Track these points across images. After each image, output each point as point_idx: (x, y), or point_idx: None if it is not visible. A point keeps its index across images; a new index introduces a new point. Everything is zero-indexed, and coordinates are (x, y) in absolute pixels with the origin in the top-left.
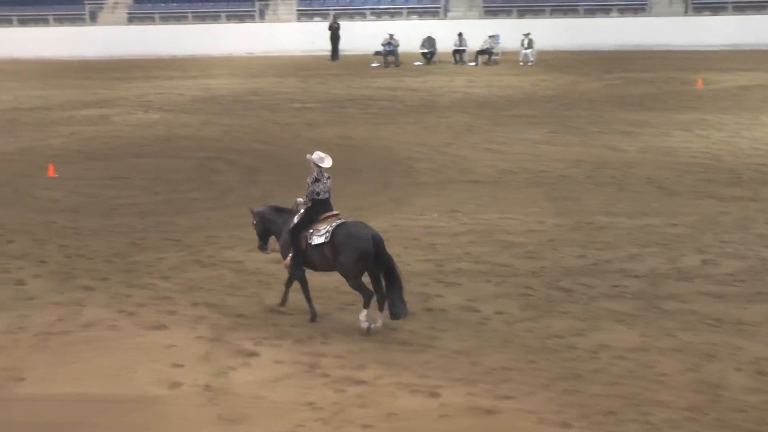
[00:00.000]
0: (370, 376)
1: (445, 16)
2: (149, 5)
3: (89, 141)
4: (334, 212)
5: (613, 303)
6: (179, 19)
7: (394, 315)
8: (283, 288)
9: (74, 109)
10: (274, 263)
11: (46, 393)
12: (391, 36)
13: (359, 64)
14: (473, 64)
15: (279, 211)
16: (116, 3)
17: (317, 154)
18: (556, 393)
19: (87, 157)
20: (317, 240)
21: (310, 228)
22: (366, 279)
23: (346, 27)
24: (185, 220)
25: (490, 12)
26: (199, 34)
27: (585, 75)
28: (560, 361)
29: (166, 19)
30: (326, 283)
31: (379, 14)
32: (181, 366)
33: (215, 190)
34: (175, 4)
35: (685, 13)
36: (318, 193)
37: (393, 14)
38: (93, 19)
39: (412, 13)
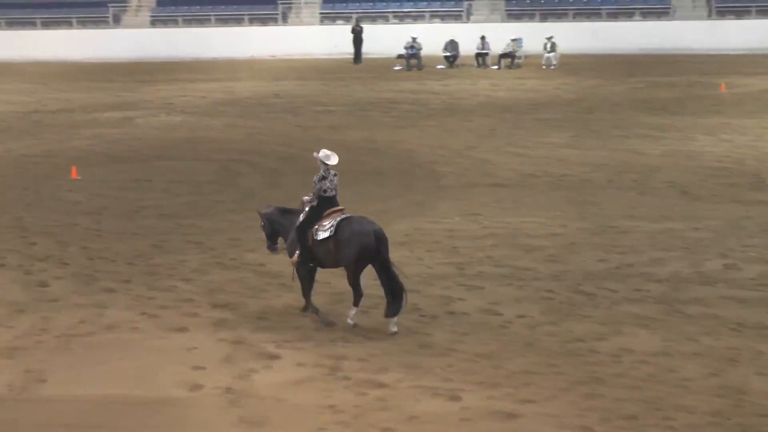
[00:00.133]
0: (392, 379)
1: (468, 20)
2: (172, 8)
3: (112, 143)
4: (339, 207)
5: (635, 307)
6: (202, 21)
7: (387, 313)
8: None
9: (97, 111)
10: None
11: (68, 395)
12: (414, 39)
13: (382, 67)
14: (496, 67)
15: (286, 212)
16: (139, 6)
17: (323, 152)
18: (577, 397)
19: (110, 159)
20: (322, 235)
21: (316, 224)
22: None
23: (368, 30)
24: (208, 223)
25: (513, 15)
26: (221, 36)
27: (608, 79)
28: (582, 365)
29: (189, 21)
30: (346, 286)
31: (401, 17)
32: (203, 368)
33: (238, 193)
34: (198, 7)
35: (709, 16)
36: (325, 191)
37: (416, 17)
38: (116, 21)
39: (435, 16)
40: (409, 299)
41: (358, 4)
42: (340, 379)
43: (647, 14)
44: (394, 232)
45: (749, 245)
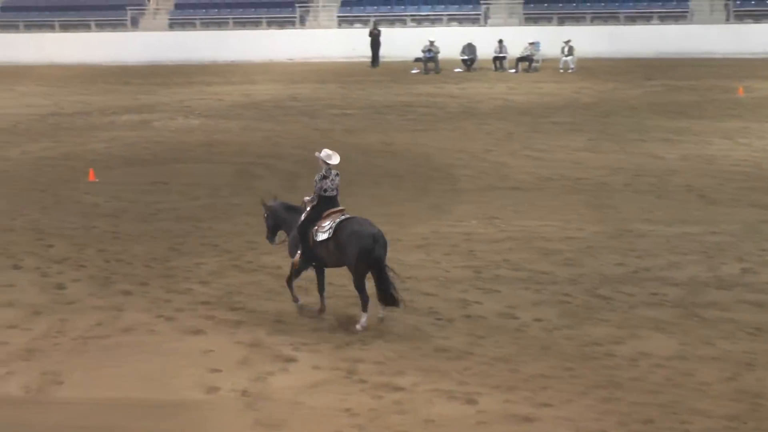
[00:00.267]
0: (408, 382)
1: (486, 23)
2: (190, 11)
3: (130, 146)
4: (340, 208)
5: (652, 311)
6: (220, 25)
7: (385, 302)
8: (319, 297)
9: (115, 114)
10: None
11: (84, 397)
12: (432, 43)
13: (399, 70)
14: (513, 71)
15: (290, 208)
16: (157, 9)
17: (325, 152)
18: (594, 401)
19: (127, 162)
20: (321, 236)
21: (316, 225)
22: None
23: (386, 33)
24: (225, 226)
25: (531, 19)
26: (239, 40)
27: (625, 82)
28: (599, 369)
29: (206, 25)
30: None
31: (419, 21)
32: (219, 371)
33: (255, 196)
34: (215, 10)
35: (727, 20)
36: (325, 190)
37: (433, 21)
38: (134, 24)
39: (453, 19)
40: (423, 303)
41: (375, 7)
42: (357, 383)
43: (665, 18)
44: (410, 235)
45: (767, 249)
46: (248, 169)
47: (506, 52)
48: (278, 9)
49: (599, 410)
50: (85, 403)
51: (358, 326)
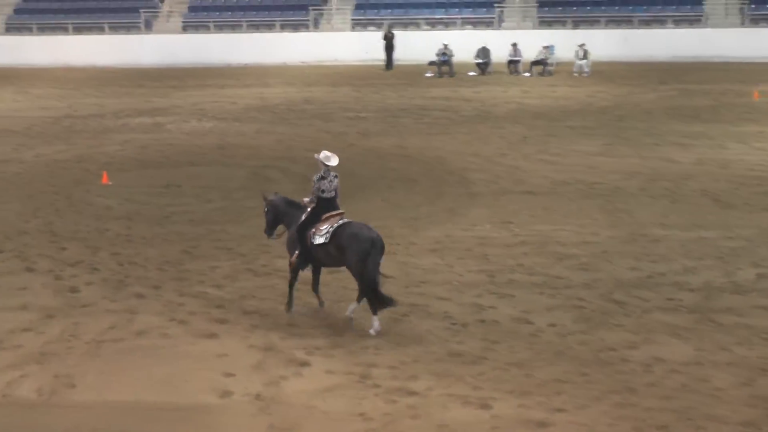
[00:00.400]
0: (422, 387)
1: (500, 27)
2: (204, 14)
3: (143, 149)
4: (339, 211)
5: (667, 316)
6: (234, 27)
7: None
8: (315, 296)
9: (128, 116)
10: (328, 273)
11: (97, 400)
12: (446, 46)
13: (413, 73)
14: (528, 74)
15: (290, 204)
16: (171, 12)
17: (324, 153)
18: (609, 406)
19: (141, 164)
20: (319, 240)
21: (314, 227)
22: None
23: (400, 36)
24: (238, 229)
25: (545, 22)
26: (253, 42)
27: (640, 86)
28: (613, 374)
29: (220, 27)
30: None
31: (433, 24)
32: (233, 375)
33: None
34: (229, 13)
35: (742, 24)
36: (323, 191)
37: (447, 24)
38: (148, 27)
39: (467, 23)
40: (437, 307)
41: (389, 10)
42: (370, 387)
43: (680, 22)
44: (424, 239)
45: None
46: (262, 172)
47: (521, 56)
48: (292, 12)
49: (614, 416)
50: (98, 407)
51: (371, 330)
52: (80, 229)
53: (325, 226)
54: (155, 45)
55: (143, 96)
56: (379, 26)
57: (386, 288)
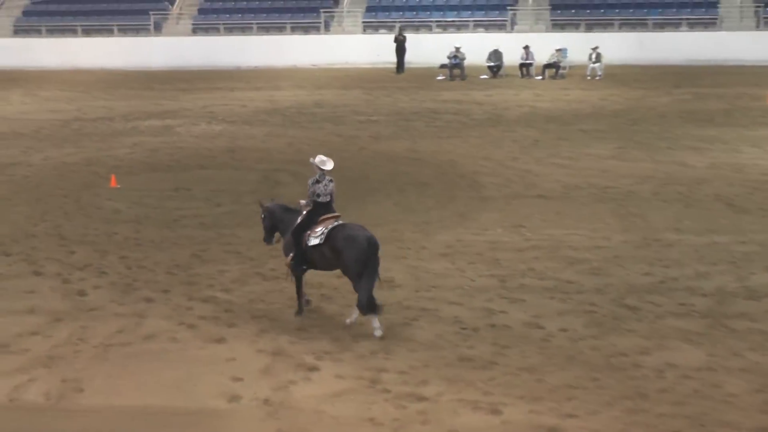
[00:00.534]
0: (432, 392)
1: (512, 29)
2: (214, 16)
3: (152, 152)
4: (334, 214)
5: (679, 321)
6: (244, 30)
7: (364, 309)
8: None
9: (138, 119)
10: (336, 278)
11: (105, 404)
12: (458, 49)
13: (425, 76)
14: (540, 77)
15: (287, 210)
16: (181, 14)
17: (319, 157)
18: (620, 412)
19: (150, 168)
20: (314, 241)
21: (309, 230)
22: None
23: (411, 39)
24: (248, 233)
25: (558, 25)
26: (263, 45)
27: (654, 90)
28: (625, 380)
29: (230, 30)
30: (387, 297)
31: (445, 27)
32: (241, 379)
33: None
34: (239, 15)
35: (757, 27)
36: (318, 195)
37: (459, 27)
38: (157, 29)
39: (479, 25)
40: (448, 311)
41: (401, 13)
42: (380, 392)
43: (694, 25)
44: (435, 243)
45: None
46: (272, 175)
47: (533, 59)
48: (303, 14)
49: (625, 422)
50: (106, 411)
51: (376, 333)
52: (89, 232)
53: (320, 228)
54: (165, 47)
55: (152, 99)
56: (390, 29)
57: (396, 293)
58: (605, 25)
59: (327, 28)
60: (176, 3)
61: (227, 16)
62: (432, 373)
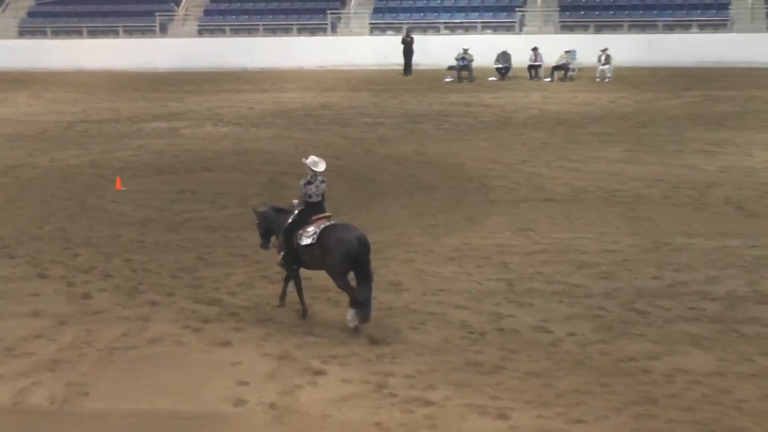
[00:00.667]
0: (439, 397)
1: (521, 31)
2: (220, 17)
3: (158, 154)
4: (326, 214)
5: (689, 326)
6: (250, 31)
7: (360, 318)
8: (282, 293)
9: (143, 121)
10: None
11: (110, 408)
12: (466, 50)
13: (432, 78)
14: (549, 79)
15: (280, 211)
16: (187, 15)
17: (311, 158)
18: (629, 417)
19: (155, 170)
20: (306, 241)
21: (301, 229)
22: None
23: (419, 41)
24: (254, 236)
25: (567, 27)
26: (269, 46)
27: (664, 92)
28: (634, 385)
29: (236, 31)
30: (394, 301)
31: (453, 28)
32: (247, 383)
33: (285, 205)
34: (246, 17)
35: None
36: (310, 196)
37: (467, 28)
38: (163, 31)
39: (487, 27)
40: (456, 315)
41: (408, 14)
42: (387, 397)
43: (705, 26)
44: (443, 246)
45: None
46: (278, 178)
47: (541, 61)
48: (309, 16)
49: (634, 427)
50: (111, 415)
51: (350, 324)
52: (93, 235)
53: (311, 228)
54: (171, 49)
55: (158, 100)
56: (397, 30)
57: (403, 297)
58: (614, 27)
59: (334, 30)
60: (182, 4)
61: (233, 17)
62: (439, 377)
